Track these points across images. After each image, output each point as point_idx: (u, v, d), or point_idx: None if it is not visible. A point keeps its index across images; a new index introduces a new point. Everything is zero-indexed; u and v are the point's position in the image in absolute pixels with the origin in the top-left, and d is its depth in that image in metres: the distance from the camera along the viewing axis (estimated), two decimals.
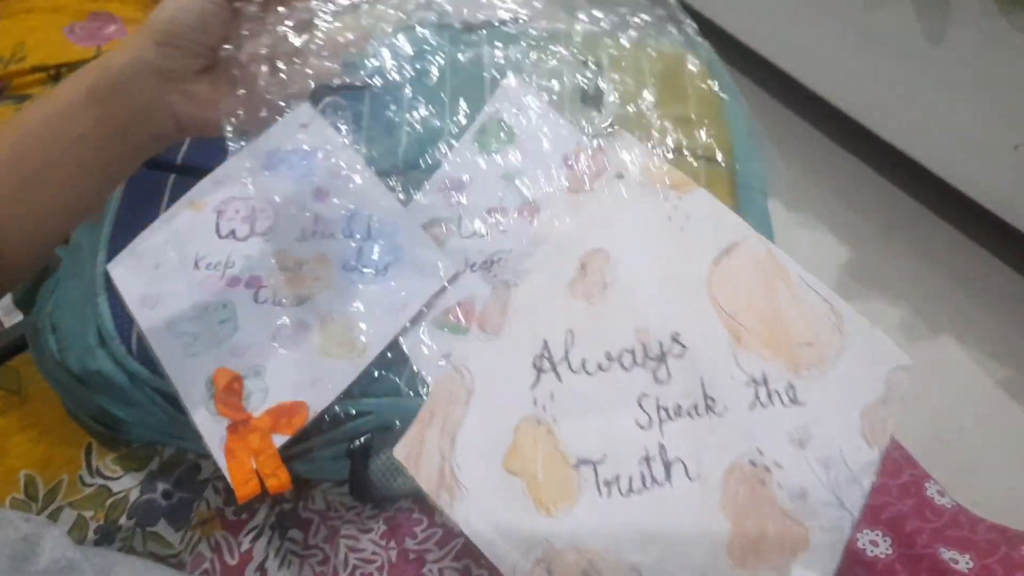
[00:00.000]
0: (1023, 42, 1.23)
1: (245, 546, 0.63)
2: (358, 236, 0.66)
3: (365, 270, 0.64)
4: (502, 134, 0.70)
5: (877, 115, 1.50)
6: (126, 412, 0.65)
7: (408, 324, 0.61)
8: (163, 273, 0.66)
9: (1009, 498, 1.17)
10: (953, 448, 1.26)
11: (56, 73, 1.00)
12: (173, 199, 0.70)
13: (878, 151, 1.56)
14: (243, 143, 0.61)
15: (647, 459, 0.44)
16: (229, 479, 0.57)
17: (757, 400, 0.45)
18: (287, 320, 0.63)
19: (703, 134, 0.68)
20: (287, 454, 0.62)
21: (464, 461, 0.45)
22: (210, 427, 0.59)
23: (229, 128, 0.59)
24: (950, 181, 1.44)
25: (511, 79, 0.72)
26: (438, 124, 0.71)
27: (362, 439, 0.62)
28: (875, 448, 0.44)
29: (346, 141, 0.69)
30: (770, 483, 0.43)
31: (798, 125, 1.70)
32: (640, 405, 0.45)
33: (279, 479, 0.57)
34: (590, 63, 0.74)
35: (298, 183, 0.68)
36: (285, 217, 0.67)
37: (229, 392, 0.60)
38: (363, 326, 0.62)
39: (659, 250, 0.48)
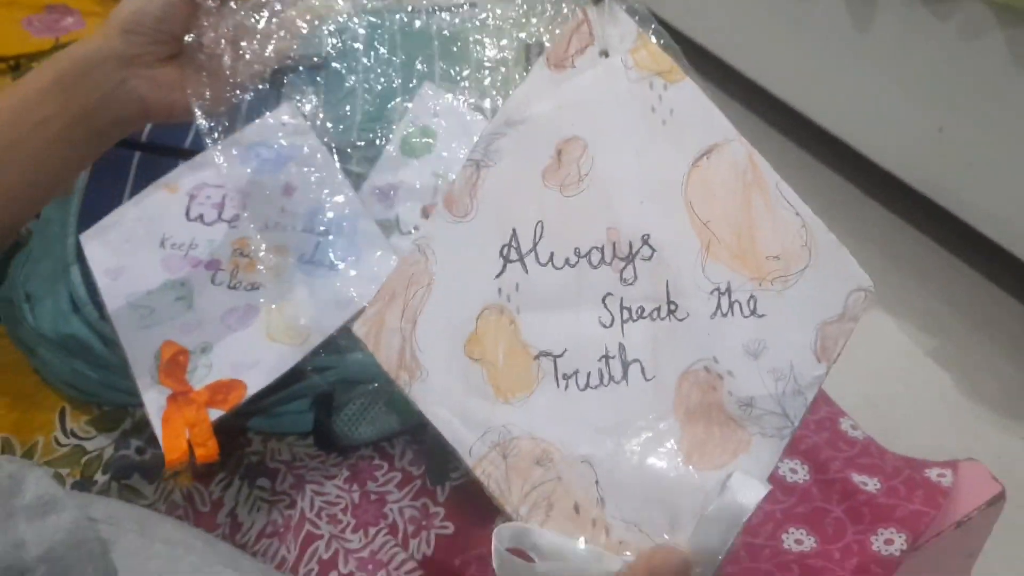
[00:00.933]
0: (944, 30, 1.31)
1: (216, 495, 0.67)
2: (318, 232, 0.70)
3: (320, 264, 0.68)
4: (425, 140, 0.75)
5: (810, 100, 1.58)
6: (100, 374, 0.69)
7: (354, 315, 0.63)
8: (131, 248, 0.69)
9: (937, 457, 1.25)
10: (885, 414, 1.33)
11: (16, 64, 1.03)
12: (139, 176, 0.74)
13: (812, 136, 1.63)
14: (214, 123, 0.65)
15: (606, 357, 0.45)
16: (161, 445, 0.61)
17: (719, 309, 0.45)
18: (239, 303, 0.67)
19: None
20: (254, 408, 0.67)
21: (425, 344, 0.45)
22: (152, 395, 0.63)
23: (199, 110, 0.63)
24: (880, 163, 1.52)
25: (427, 88, 0.77)
26: (390, 100, 0.76)
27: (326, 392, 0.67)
28: (824, 364, 0.45)
29: (318, 141, 0.73)
30: (721, 390, 0.44)
31: (732, 109, 1.77)
32: (604, 304, 0.46)
33: (208, 449, 0.60)
34: (532, 49, 0.79)
35: (269, 177, 0.72)
36: (252, 207, 0.71)
37: (174, 364, 0.64)
38: (309, 316, 0.65)
39: (639, 145, 0.46)
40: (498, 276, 0.45)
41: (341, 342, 0.67)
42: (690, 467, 0.44)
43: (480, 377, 0.45)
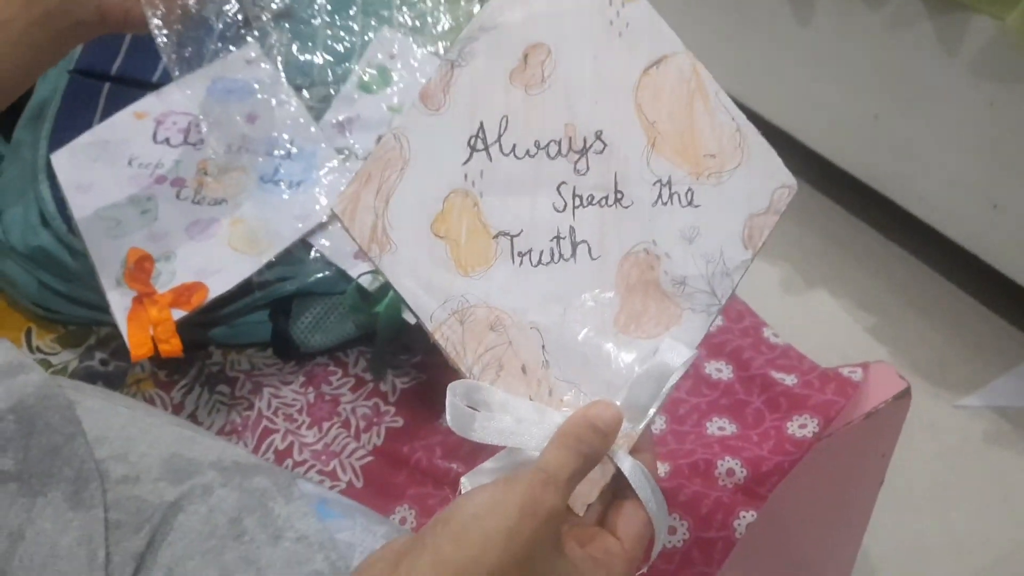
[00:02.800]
0: (878, 22, 1.39)
1: (177, 400, 0.70)
2: (278, 155, 0.75)
3: (280, 184, 0.73)
4: (380, 78, 0.80)
5: (751, 92, 1.64)
6: (67, 287, 0.72)
7: (311, 229, 0.71)
8: (99, 167, 0.73)
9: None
10: None
11: None
12: (108, 105, 0.78)
13: (759, 126, 1.71)
14: (174, 43, 0.70)
15: (558, 238, 0.50)
16: (127, 341, 0.65)
17: (660, 199, 0.50)
18: (202, 216, 0.71)
19: None
20: (215, 317, 0.71)
21: (395, 221, 0.49)
22: (118, 298, 0.67)
23: (157, 21, 0.68)
24: (820, 151, 1.59)
25: (385, 31, 0.82)
26: (350, 43, 0.81)
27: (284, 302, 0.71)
28: (750, 251, 0.50)
29: (281, 76, 0.78)
30: (658, 269, 0.49)
31: None
32: (558, 191, 0.50)
33: (171, 345, 0.65)
34: None
35: (234, 106, 0.76)
36: (216, 132, 0.75)
37: (139, 268, 0.68)
38: (269, 228, 0.70)
39: (597, 52, 0.51)
40: (465, 163, 0.50)
41: (299, 254, 0.71)
42: (627, 336, 0.48)
43: (444, 252, 0.49)
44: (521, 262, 0.49)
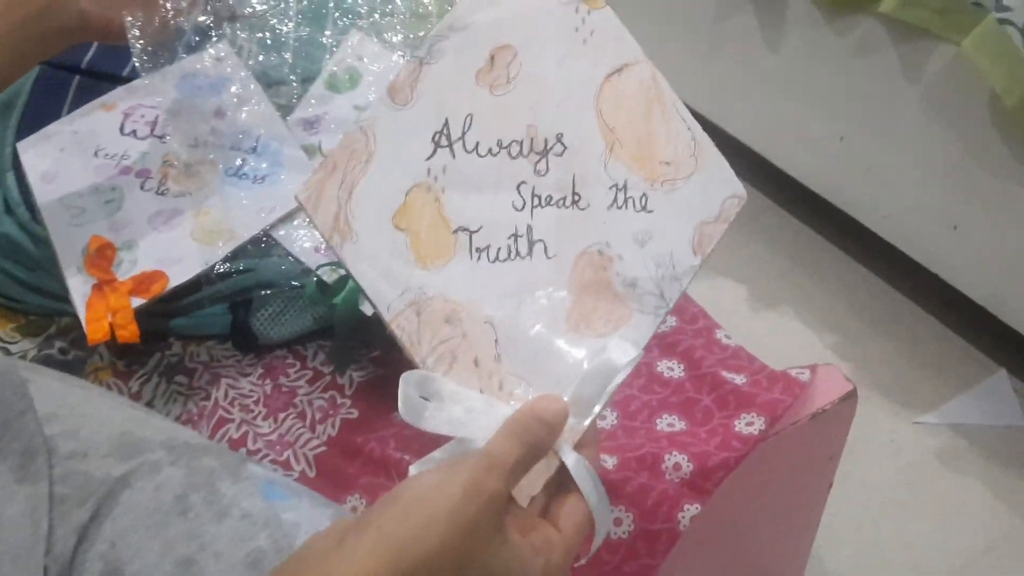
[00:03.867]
0: (844, 46, 1.42)
1: (134, 389, 0.71)
2: (244, 149, 0.76)
3: (245, 177, 0.75)
4: (348, 78, 0.82)
5: (724, 114, 1.68)
6: (29, 276, 0.73)
7: (273, 223, 0.72)
8: (65, 156, 0.74)
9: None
10: None
11: None
12: (77, 98, 0.79)
13: (726, 147, 1.73)
14: (150, 49, 0.71)
15: (515, 235, 0.51)
16: (84, 326, 0.66)
17: (615, 203, 0.52)
18: (166, 207, 0.72)
19: None
20: (171, 308, 0.72)
21: (358, 211, 0.49)
22: (78, 284, 0.68)
23: (136, 31, 0.69)
24: (786, 170, 1.62)
25: (354, 33, 0.83)
26: (319, 44, 0.82)
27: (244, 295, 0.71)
28: (699, 257, 0.52)
29: (250, 74, 0.79)
30: (610, 270, 0.51)
31: None
32: (518, 190, 0.51)
33: (128, 332, 0.66)
34: None
35: (202, 100, 0.78)
36: (184, 126, 0.76)
37: (100, 256, 0.69)
38: (232, 220, 0.71)
39: (561, 57, 0.53)
40: (428, 158, 0.50)
41: (260, 247, 0.72)
42: (577, 334, 0.50)
43: (404, 244, 0.49)
44: (479, 257, 0.50)
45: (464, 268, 0.49)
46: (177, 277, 0.68)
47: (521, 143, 0.51)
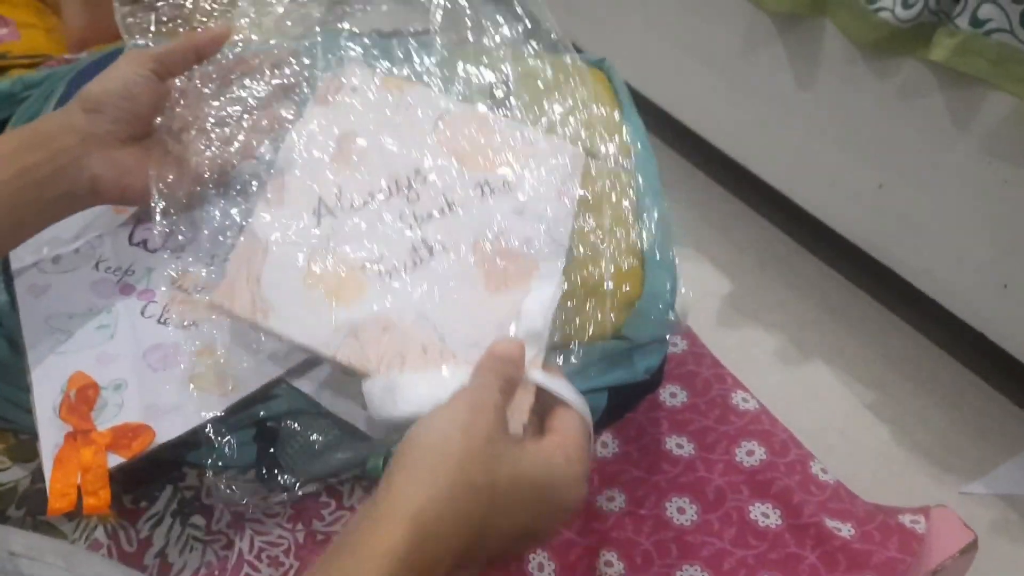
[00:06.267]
0: (884, 88, 1.34)
1: (144, 533, 0.61)
2: None
3: None
4: None
5: (754, 156, 1.60)
6: (17, 395, 0.63)
7: (288, 370, 0.61)
8: (61, 266, 0.64)
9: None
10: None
11: None
12: None
13: (756, 190, 1.65)
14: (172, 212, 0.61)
15: (414, 248, 0.59)
16: (47, 488, 0.55)
17: (484, 195, 0.62)
18: (165, 341, 0.62)
19: (609, 139, 0.72)
20: (191, 440, 0.62)
21: (270, 290, 0.56)
22: (49, 429, 0.57)
23: (157, 193, 0.60)
24: (820, 218, 1.54)
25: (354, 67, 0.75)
26: None
27: (271, 423, 0.62)
28: (568, 202, 0.63)
29: None
30: (505, 240, 0.59)
31: (681, 165, 1.79)
32: (401, 218, 0.60)
33: (99, 500, 0.55)
34: (499, 70, 0.78)
35: (227, 212, 0.67)
36: (202, 240, 0.65)
37: (81, 399, 0.58)
38: (239, 365, 0.61)
39: (393, 127, 0.65)
40: (316, 227, 0.59)
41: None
42: (500, 293, 0.57)
43: (320, 296, 0.56)
44: (390, 277, 0.58)
45: (381, 290, 0.57)
46: (165, 433, 0.58)
47: (389, 188, 0.62)
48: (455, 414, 0.43)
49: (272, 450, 0.62)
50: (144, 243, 0.65)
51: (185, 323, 0.62)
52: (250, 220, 0.59)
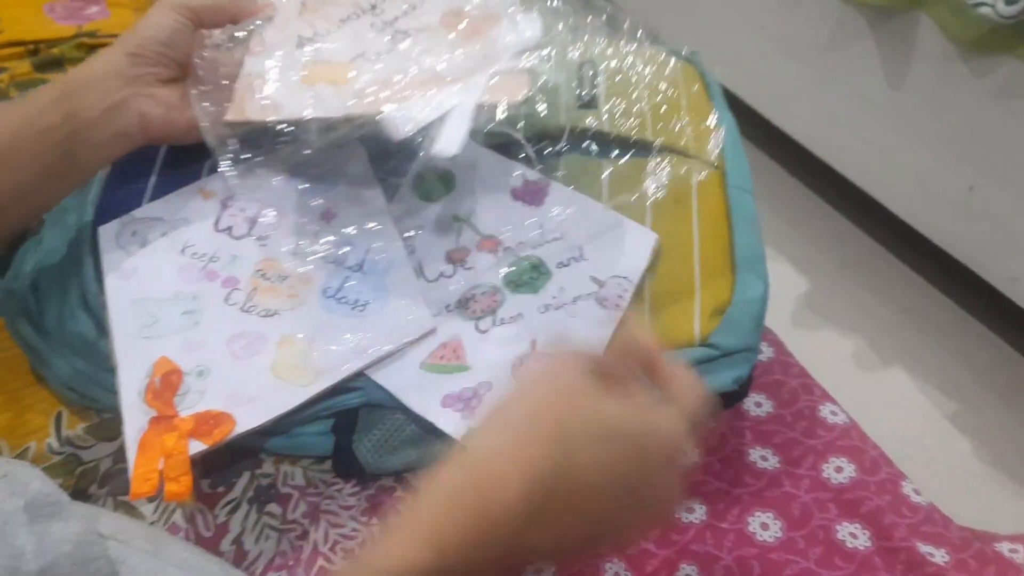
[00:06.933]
0: (981, 87, 1.28)
1: (221, 518, 0.61)
2: (349, 267, 0.65)
3: (342, 302, 0.63)
4: (440, 181, 0.70)
5: (837, 152, 1.55)
6: (104, 378, 0.63)
7: (367, 364, 0.60)
8: (148, 250, 0.65)
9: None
10: None
11: (35, 48, 0.98)
12: (165, 167, 0.69)
13: (837, 188, 1.61)
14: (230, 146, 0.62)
15: (391, 39, 0.67)
16: (130, 472, 0.55)
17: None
18: (249, 330, 0.62)
19: (701, 136, 0.70)
20: (270, 429, 0.62)
21: (275, 94, 0.63)
22: (134, 413, 0.57)
23: (204, 121, 0.62)
24: (905, 219, 1.48)
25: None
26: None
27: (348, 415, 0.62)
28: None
29: (373, 176, 0.69)
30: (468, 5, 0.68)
31: (761, 161, 1.74)
32: (372, 27, 0.68)
33: (180, 485, 0.55)
34: (585, 67, 0.76)
35: (311, 198, 0.67)
36: (286, 228, 0.66)
37: (165, 384, 0.58)
38: (322, 357, 0.60)
39: None
40: (300, 54, 0.67)
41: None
42: (470, 42, 0.65)
43: (320, 86, 0.64)
44: (376, 59, 0.66)
45: (371, 67, 0.65)
46: (245, 422, 0.57)
47: (356, 12, 0.69)
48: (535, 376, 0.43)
49: (349, 442, 0.62)
50: (229, 230, 0.65)
51: (269, 312, 0.62)
52: (242, 70, 0.65)
